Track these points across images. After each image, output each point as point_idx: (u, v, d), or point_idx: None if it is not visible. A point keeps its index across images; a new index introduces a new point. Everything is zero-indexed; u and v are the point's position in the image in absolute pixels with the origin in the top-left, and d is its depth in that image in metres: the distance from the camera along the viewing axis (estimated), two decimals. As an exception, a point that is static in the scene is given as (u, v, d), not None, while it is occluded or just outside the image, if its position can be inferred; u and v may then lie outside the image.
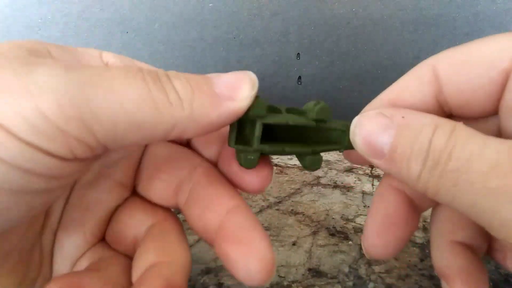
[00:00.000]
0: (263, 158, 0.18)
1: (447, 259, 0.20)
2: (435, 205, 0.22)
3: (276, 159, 0.38)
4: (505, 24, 0.38)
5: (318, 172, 0.36)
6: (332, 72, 0.40)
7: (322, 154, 0.18)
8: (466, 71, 0.17)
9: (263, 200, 0.32)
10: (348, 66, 0.40)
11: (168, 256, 0.18)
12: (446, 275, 0.19)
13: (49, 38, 0.37)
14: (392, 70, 0.39)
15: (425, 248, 0.26)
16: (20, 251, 0.18)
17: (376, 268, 0.24)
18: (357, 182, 0.34)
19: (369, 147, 0.16)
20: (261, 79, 0.40)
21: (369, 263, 0.25)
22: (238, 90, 0.15)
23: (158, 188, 0.21)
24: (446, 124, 0.15)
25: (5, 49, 0.14)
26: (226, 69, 0.39)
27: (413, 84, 0.18)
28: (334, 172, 0.36)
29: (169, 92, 0.14)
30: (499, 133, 0.18)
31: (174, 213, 0.21)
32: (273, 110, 0.17)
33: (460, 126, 0.14)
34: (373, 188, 0.33)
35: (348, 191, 0.33)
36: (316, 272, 0.24)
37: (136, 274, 0.18)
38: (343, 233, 0.28)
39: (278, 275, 0.24)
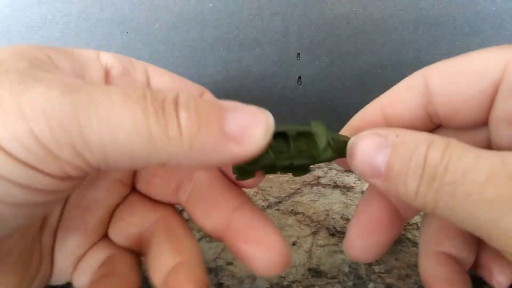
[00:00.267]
0: None
1: (432, 269, 0.20)
2: (425, 215, 0.22)
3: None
4: (505, 24, 0.38)
5: (318, 172, 0.36)
6: (332, 72, 0.40)
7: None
8: (457, 82, 0.17)
9: (263, 200, 0.32)
10: (348, 66, 0.40)
11: (184, 255, 0.18)
12: (429, 283, 0.20)
13: (49, 38, 0.37)
14: (392, 70, 0.39)
15: (425, 248, 0.26)
16: (20, 250, 0.18)
17: (376, 268, 0.24)
18: (357, 182, 0.34)
19: (366, 168, 0.16)
20: (261, 79, 0.40)
21: (369, 263, 0.25)
22: (248, 135, 0.14)
23: (158, 185, 0.21)
24: (440, 140, 0.15)
25: (6, 60, 0.14)
26: (226, 69, 0.39)
27: (404, 93, 0.19)
28: (334, 172, 0.36)
29: (171, 125, 0.13)
30: (489, 144, 0.19)
31: (174, 207, 0.21)
32: (280, 135, 0.17)
33: (453, 141, 0.15)
34: (373, 188, 0.33)
35: (348, 191, 0.33)
36: (316, 272, 0.24)
37: (157, 279, 0.18)
38: (343, 233, 0.28)
39: (278, 275, 0.24)
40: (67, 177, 0.14)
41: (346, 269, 0.24)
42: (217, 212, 0.19)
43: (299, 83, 0.40)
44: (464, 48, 0.38)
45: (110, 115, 0.13)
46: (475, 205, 0.13)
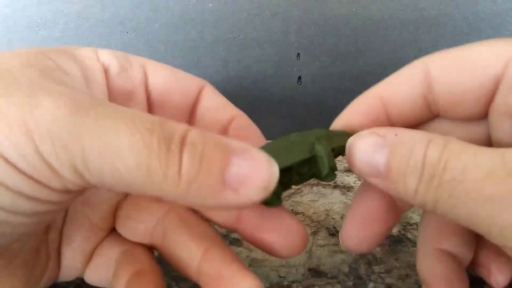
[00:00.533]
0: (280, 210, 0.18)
1: (430, 266, 0.20)
2: (423, 213, 0.22)
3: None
4: (505, 24, 0.38)
5: (318, 172, 0.36)
6: (332, 72, 0.40)
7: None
8: (458, 74, 0.17)
9: (263, 200, 0.32)
10: (348, 66, 0.40)
11: (208, 241, 0.18)
12: (428, 281, 0.20)
13: (49, 38, 0.37)
14: (392, 70, 0.39)
15: (425, 248, 0.26)
16: (27, 251, 0.18)
17: (376, 268, 0.24)
18: (357, 182, 0.34)
19: (365, 167, 0.16)
20: (261, 79, 0.40)
21: (369, 263, 0.25)
22: (247, 187, 0.13)
23: None
24: (439, 138, 0.15)
25: (16, 69, 0.14)
26: (226, 69, 0.39)
27: (404, 82, 0.18)
28: (334, 172, 0.36)
29: (171, 165, 0.13)
30: (488, 138, 0.19)
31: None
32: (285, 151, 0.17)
33: (452, 139, 0.15)
34: (373, 188, 0.33)
35: (348, 191, 0.33)
36: (316, 272, 0.24)
37: (191, 270, 0.18)
38: (343, 233, 0.28)
39: (278, 275, 0.24)
40: (67, 191, 0.14)
41: (346, 269, 0.24)
42: (187, 255, 0.19)
43: (299, 83, 0.40)
44: (464, 48, 0.38)
45: (113, 144, 0.13)
46: (475, 202, 0.13)
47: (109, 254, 0.20)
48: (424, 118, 0.19)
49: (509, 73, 0.16)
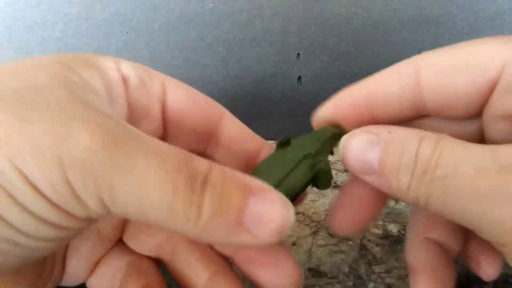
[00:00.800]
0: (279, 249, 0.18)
1: (418, 253, 0.20)
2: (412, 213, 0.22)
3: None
4: (505, 24, 0.38)
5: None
6: (332, 72, 0.40)
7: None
8: (451, 79, 0.17)
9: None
10: (348, 66, 0.40)
11: (216, 264, 0.19)
12: (414, 268, 0.20)
13: (49, 38, 0.37)
14: (392, 70, 0.39)
15: (425, 248, 0.26)
16: (34, 260, 0.18)
17: (376, 268, 0.24)
18: (357, 182, 0.34)
19: (359, 165, 0.16)
20: (261, 79, 0.40)
21: (369, 263, 0.25)
22: (263, 230, 0.14)
23: None
24: (431, 135, 0.15)
25: (46, 88, 0.14)
26: (226, 69, 0.39)
27: (392, 81, 0.18)
28: (334, 172, 0.36)
29: (193, 208, 0.13)
30: (481, 135, 0.18)
31: None
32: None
33: (445, 136, 0.15)
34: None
35: (348, 191, 0.33)
36: (316, 272, 0.24)
37: (188, 285, 0.19)
38: (343, 233, 0.28)
39: (278, 275, 0.24)
40: (89, 219, 0.14)
41: (346, 269, 0.24)
42: (194, 276, 0.19)
43: (299, 83, 0.40)
44: (464, 48, 0.38)
45: (142, 183, 0.13)
46: (466, 199, 0.14)
47: (115, 264, 0.20)
48: (410, 117, 0.19)
49: (505, 76, 0.16)
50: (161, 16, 0.37)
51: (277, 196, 0.14)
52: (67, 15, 0.36)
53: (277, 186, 0.16)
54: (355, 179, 0.19)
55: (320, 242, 0.27)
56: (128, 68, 0.19)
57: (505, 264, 0.20)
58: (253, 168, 0.18)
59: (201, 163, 0.14)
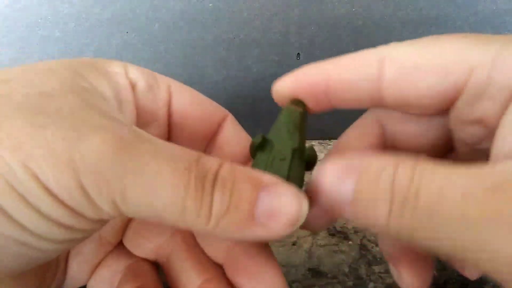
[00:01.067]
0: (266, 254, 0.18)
1: (392, 242, 0.20)
2: None
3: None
4: (505, 24, 0.38)
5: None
6: (332, 72, 0.40)
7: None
8: (413, 78, 0.16)
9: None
10: (348, 66, 0.40)
11: (209, 271, 0.19)
12: (393, 256, 0.19)
13: (49, 38, 0.37)
14: (392, 70, 0.39)
15: (425, 248, 0.26)
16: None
17: (376, 268, 0.24)
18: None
19: (333, 197, 0.15)
20: (261, 79, 0.40)
21: (369, 263, 0.25)
22: (276, 222, 0.14)
23: None
24: (407, 161, 0.14)
25: (57, 94, 0.14)
26: (226, 69, 0.39)
27: (355, 70, 0.17)
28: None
29: (204, 205, 0.13)
30: (446, 132, 0.18)
31: None
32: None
33: (421, 160, 0.14)
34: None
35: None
36: (316, 272, 0.24)
37: None
38: (343, 233, 0.28)
39: (278, 275, 0.24)
40: (100, 220, 0.14)
41: (346, 269, 0.24)
42: (219, 240, 0.19)
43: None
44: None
45: (154, 183, 0.13)
46: (457, 227, 0.12)
47: (115, 266, 0.21)
48: (368, 107, 0.18)
49: (472, 83, 0.15)
50: (161, 16, 0.37)
51: (289, 188, 0.14)
52: (67, 15, 0.36)
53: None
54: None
55: (320, 242, 0.27)
56: (136, 74, 0.19)
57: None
58: None
59: (211, 161, 0.14)
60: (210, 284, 0.18)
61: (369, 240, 0.27)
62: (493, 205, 0.12)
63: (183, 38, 0.38)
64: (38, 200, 0.13)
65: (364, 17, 0.38)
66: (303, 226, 0.16)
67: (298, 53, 0.39)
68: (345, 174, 0.15)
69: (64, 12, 0.36)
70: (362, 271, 0.24)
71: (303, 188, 0.17)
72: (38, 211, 0.13)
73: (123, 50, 0.37)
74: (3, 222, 0.13)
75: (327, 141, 0.38)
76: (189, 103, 0.20)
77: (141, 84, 0.19)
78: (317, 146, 0.38)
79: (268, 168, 0.17)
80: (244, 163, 0.21)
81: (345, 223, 0.28)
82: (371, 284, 0.23)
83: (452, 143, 0.18)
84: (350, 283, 0.23)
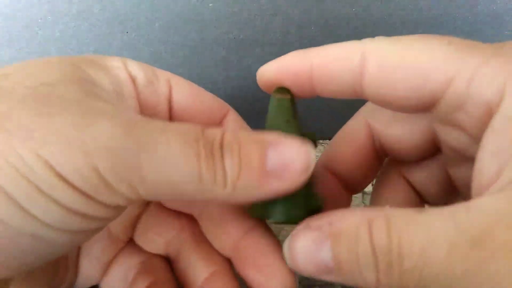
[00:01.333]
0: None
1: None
2: (374, 189, 0.22)
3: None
4: (505, 24, 0.38)
5: (318, 172, 0.36)
6: (332, 72, 0.40)
7: None
8: (393, 79, 0.16)
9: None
10: (348, 66, 0.40)
11: (216, 264, 0.19)
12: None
13: (49, 38, 0.37)
14: (392, 70, 0.39)
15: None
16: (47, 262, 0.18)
17: (376, 268, 0.24)
18: (357, 182, 0.34)
19: (313, 268, 0.14)
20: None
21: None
22: (289, 171, 0.14)
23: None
24: (378, 217, 0.13)
25: (59, 84, 0.14)
26: (226, 69, 0.39)
27: (338, 61, 0.17)
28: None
29: (218, 170, 0.14)
30: (432, 135, 0.18)
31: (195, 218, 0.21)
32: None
33: (391, 215, 0.13)
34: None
35: (348, 191, 0.33)
36: (316, 272, 0.24)
37: (188, 282, 0.19)
38: (343, 233, 0.28)
39: (278, 275, 0.24)
40: (116, 207, 0.14)
41: (346, 269, 0.24)
42: (226, 233, 0.19)
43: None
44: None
45: (167, 157, 0.13)
46: (445, 283, 0.12)
47: (127, 264, 0.21)
48: (351, 97, 0.18)
49: (450, 94, 0.15)
50: (161, 16, 0.37)
51: (293, 140, 0.15)
52: (67, 15, 0.36)
53: None
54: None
55: (320, 242, 0.27)
56: (135, 68, 0.19)
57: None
58: None
59: (214, 130, 0.15)
60: (216, 276, 0.18)
61: (369, 240, 0.27)
62: (475, 260, 0.12)
63: (183, 38, 0.38)
64: (52, 187, 0.13)
65: (364, 17, 0.38)
66: None
67: (298, 53, 0.39)
68: (318, 241, 0.14)
69: (64, 12, 0.36)
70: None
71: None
72: (52, 199, 0.13)
73: (123, 50, 0.37)
74: (15, 214, 0.13)
75: (327, 141, 0.38)
76: (190, 97, 0.20)
77: (141, 78, 0.19)
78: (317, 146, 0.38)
79: None
80: None
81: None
82: None
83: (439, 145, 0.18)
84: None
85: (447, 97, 0.15)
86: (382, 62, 0.16)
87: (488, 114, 0.14)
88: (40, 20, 0.36)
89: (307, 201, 0.16)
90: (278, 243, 0.18)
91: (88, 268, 0.20)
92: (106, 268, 0.21)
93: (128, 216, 0.21)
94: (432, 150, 0.19)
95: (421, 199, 0.21)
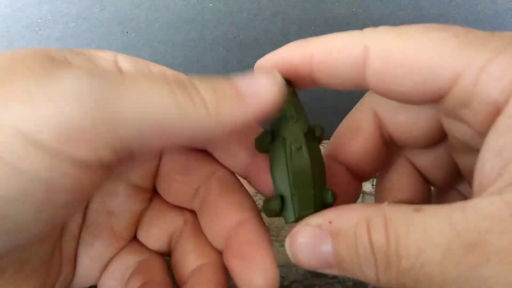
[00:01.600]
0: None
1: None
2: (379, 173, 0.22)
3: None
4: (505, 24, 0.38)
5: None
6: (332, 72, 0.40)
7: None
8: (396, 75, 0.15)
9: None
10: (348, 66, 0.40)
11: (209, 257, 0.19)
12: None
13: (49, 38, 0.37)
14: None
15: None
16: (38, 258, 0.18)
17: (376, 268, 0.24)
18: (357, 182, 0.34)
19: (315, 262, 0.15)
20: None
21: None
22: (261, 85, 0.15)
23: (177, 189, 0.21)
24: (376, 216, 0.14)
25: (24, 56, 0.14)
26: (226, 69, 0.39)
27: (340, 54, 0.17)
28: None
29: (194, 96, 0.14)
30: (439, 122, 0.18)
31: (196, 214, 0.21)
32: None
33: (389, 214, 0.13)
34: (372, 188, 0.33)
35: (348, 191, 0.33)
36: (316, 272, 0.24)
37: (180, 279, 0.19)
38: (343, 233, 0.28)
39: (279, 275, 0.24)
40: (97, 165, 0.13)
41: (346, 269, 0.24)
42: (220, 225, 0.19)
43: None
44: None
45: (140, 93, 0.13)
46: (440, 284, 0.13)
47: (126, 262, 0.20)
48: (353, 89, 0.18)
49: (455, 93, 0.14)
50: (161, 16, 0.37)
51: (259, 74, 0.16)
52: (67, 15, 0.36)
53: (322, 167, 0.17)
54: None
55: (320, 242, 0.27)
56: (124, 60, 0.19)
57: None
58: (275, 173, 0.17)
59: (181, 75, 0.15)
60: (206, 267, 0.18)
61: (369, 240, 0.27)
62: (468, 265, 0.12)
63: (183, 38, 0.38)
64: (27, 155, 0.12)
65: (364, 17, 0.38)
66: None
67: (298, 53, 0.39)
68: (320, 238, 0.15)
69: (64, 12, 0.36)
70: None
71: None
72: (31, 167, 0.12)
73: (123, 50, 0.37)
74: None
75: (326, 141, 0.38)
76: None
77: (128, 69, 0.18)
78: (317, 146, 0.38)
79: (289, 165, 0.17)
80: (252, 156, 0.20)
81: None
82: (371, 284, 0.23)
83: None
84: (350, 283, 0.23)
85: (453, 94, 0.14)
86: (385, 57, 0.15)
87: (495, 113, 0.14)
88: (40, 20, 0.36)
89: (317, 200, 0.17)
90: (268, 237, 0.18)
91: (88, 266, 0.20)
92: (105, 266, 0.20)
93: (131, 214, 0.21)
94: (439, 137, 0.18)
95: (426, 182, 0.21)
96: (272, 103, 0.15)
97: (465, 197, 0.21)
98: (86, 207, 0.20)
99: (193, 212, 0.21)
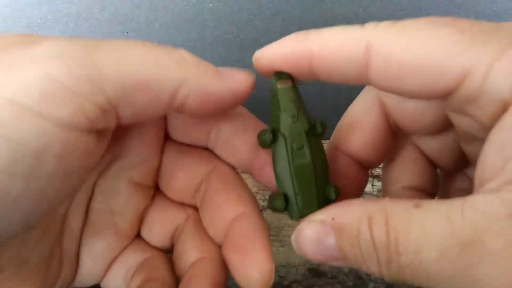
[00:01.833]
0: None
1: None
2: (385, 162, 0.22)
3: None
4: (505, 24, 0.38)
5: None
6: (332, 72, 0.40)
7: None
8: (400, 75, 0.15)
9: (263, 200, 0.32)
10: (348, 66, 0.40)
11: (208, 251, 0.19)
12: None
13: (49, 38, 0.37)
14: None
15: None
16: (38, 257, 0.18)
17: (376, 268, 0.24)
18: (357, 182, 0.34)
19: (321, 257, 0.15)
20: (261, 79, 0.40)
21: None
22: (237, 71, 0.17)
23: (180, 185, 0.21)
24: (377, 212, 0.14)
25: (3, 36, 0.15)
26: (226, 69, 0.39)
27: (341, 50, 0.16)
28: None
29: (174, 54, 0.15)
30: (444, 114, 0.18)
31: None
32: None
33: (389, 210, 0.14)
34: (373, 188, 0.33)
35: (348, 191, 0.33)
36: (316, 272, 0.24)
37: (179, 272, 0.19)
38: (343, 233, 0.28)
39: (278, 275, 0.24)
40: (85, 127, 0.13)
41: (346, 269, 0.24)
42: (219, 219, 0.19)
43: (299, 83, 0.40)
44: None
45: (120, 51, 0.14)
46: (437, 281, 0.13)
47: (130, 261, 0.20)
48: (354, 84, 0.17)
49: (463, 91, 0.14)
50: (161, 16, 0.37)
51: (230, 72, 0.18)
52: (67, 15, 0.36)
53: (325, 168, 0.17)
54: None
55: (320, 242, 0.27)
56: None
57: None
58: (278, 171, 0.17)
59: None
60: (205, 261, 0.18)
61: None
62: (463, 264, 0.12)
63: (183, 38, 0.38)
64: (15, 120, 0.12)
65: (364, 17, 0.38)
66: None
67: (298, 53, 0.39)
68: (323, 234, 0.15)
69: (64, 12, 0.36)
70: (362, 271, 0.24)
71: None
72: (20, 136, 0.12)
73: (123, 50, 0.37)
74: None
75: (327, 141, 0.38)
76: None
77: None
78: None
79: (291, 165, 0.17)
80: (254, 151, 0.20)
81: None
82: (371, 284, 0.23)
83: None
84: (350, 283, 0.23)
85: (460, 91, 0.14)
86: (388, 57, 0.15)
87: (503, 110, 0.13)
88: (40, 20, 0.36)
89: (320, 197, 0.17)
90: (266, 231, 0.18)
91: (91, 265, 0.20)
92: (109, 265, 0.20)
93: (135, 212, 0.21)
94: (447, 124, 0.18)
95: (433, 166, 0.21)
96: (247, 85, 0.17)
97: (471, 180, 0.21)
98: (88, 206, 0.20)
99: (195, 208, 0.21)
